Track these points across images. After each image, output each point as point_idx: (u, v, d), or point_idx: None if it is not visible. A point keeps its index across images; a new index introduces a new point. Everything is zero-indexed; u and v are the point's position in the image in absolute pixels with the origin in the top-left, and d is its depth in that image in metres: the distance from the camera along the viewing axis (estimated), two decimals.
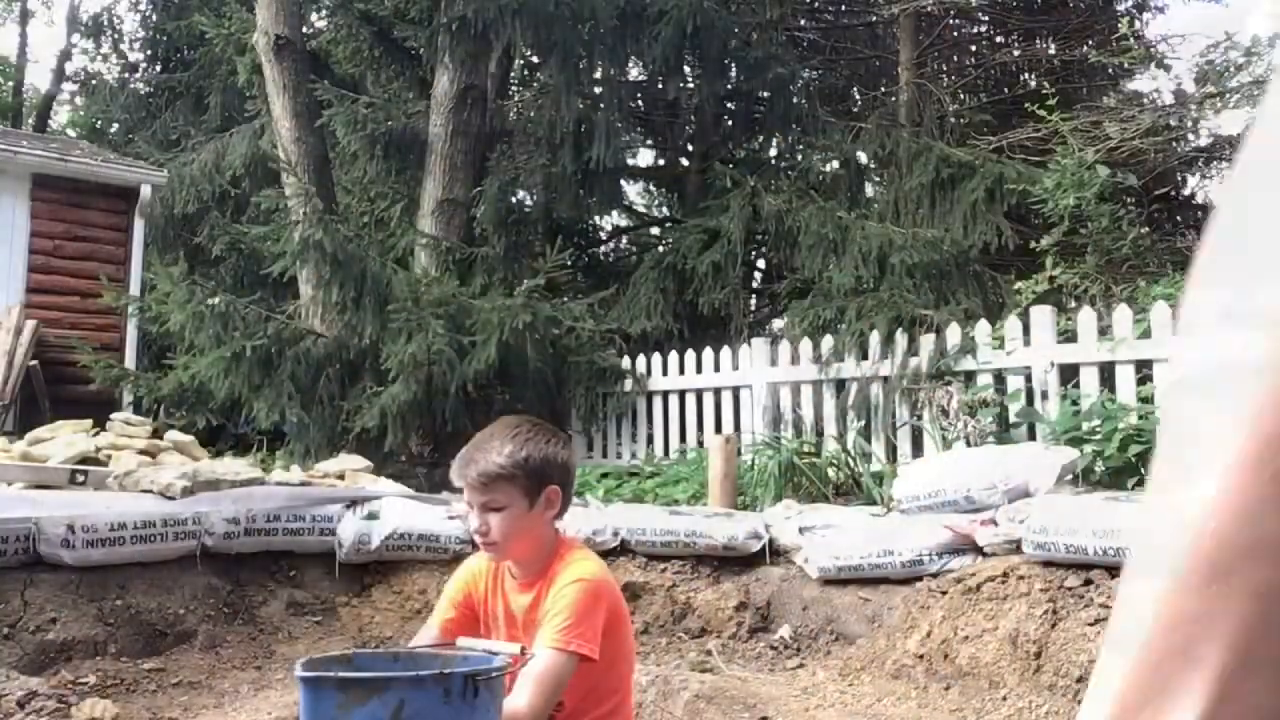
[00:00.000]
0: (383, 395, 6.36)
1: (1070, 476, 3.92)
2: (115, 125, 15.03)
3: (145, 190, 9.91)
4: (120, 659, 3.52)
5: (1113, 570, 3.07)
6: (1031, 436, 5.04)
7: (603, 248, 12.16)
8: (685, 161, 11.33)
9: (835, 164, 9.27)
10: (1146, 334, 4.83)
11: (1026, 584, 3.22)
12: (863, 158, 9.37)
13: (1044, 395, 5.09)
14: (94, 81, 15.89)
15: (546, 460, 2.00)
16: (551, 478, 2.00)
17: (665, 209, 14.33)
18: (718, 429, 6.59)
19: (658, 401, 7.14)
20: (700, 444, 6.61)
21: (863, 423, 5.85)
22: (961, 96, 10.75)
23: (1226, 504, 0.43)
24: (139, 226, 10.03)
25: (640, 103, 11.11)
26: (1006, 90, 10.96)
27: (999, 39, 11.44)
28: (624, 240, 12.71)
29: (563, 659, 1.85)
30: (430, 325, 6.39)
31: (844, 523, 4.10)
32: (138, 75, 15.49)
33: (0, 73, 21.24)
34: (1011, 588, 3.26)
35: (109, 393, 8.41)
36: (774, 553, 4.19)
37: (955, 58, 11.74)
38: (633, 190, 14.00)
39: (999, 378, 5.43)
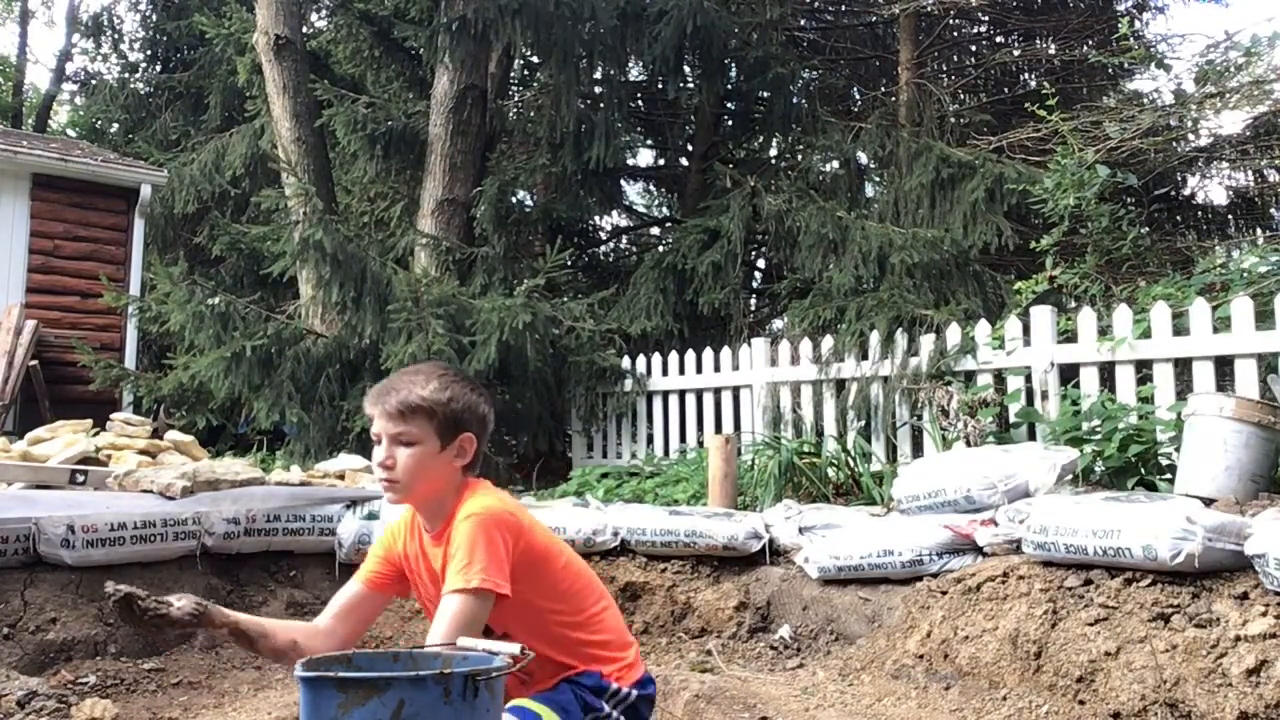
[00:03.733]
0: None
1: (1070, 476, 3.91)
2: (115, 125, 15.04)
3: (145, 190, 9.92)
4: (120, 659, 3.52)
5: (1113, 570, 3.07)
6: (1031, 436, 5.04)
7: (603, 248, 12.16)
8: (685, 161, 11.32)
9: (835, 164, 9.26)
10: (1146, 334, 4.83)
11: (1026, 584, 3.22)
12: (863, 158, 9.36)
13: (1044, 395, 5.09)
14: (94, 81, 15.90)
15: (468, 407, 1.95)
16: (469, 425, 1.95)
17: (665, 209, 14.33)
18: (718, 429, 6.59)
19: (658, 401, 7.14)
20: (700, 444, 6.61)
21: (863, 423, 5.84)
22: (961, 96, 10.74)
23: None
24: (139, 226, 10.04)
25: (640, 103, 11.10)
26: (1006, 90, 10.96)
27: (999, 39, 11.43)
28: (624, 240, 12.71)
29: (467, 599, 1.77)
30: (430, 325, 6.39)
31: (844, 523, 4.09)
32: (138, 75, 15.48)
33: (0, 73, 21.24)
34: (1011, 588, 3.26)
35: (109, 393, 8.41)
36: (774, 553, 4.19)
37: (955, 58, 11.73)
38: (633, 190, 14.01)
39: (999, 378, 5.43)
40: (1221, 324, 4.68)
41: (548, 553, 2.00)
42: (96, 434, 5.44)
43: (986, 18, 10.89)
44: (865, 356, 5.95)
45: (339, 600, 2.10)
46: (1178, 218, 9.57)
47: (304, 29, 9.45)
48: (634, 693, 2.04)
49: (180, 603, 1.80)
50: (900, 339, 5.86)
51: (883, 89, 10.55)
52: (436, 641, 1.74)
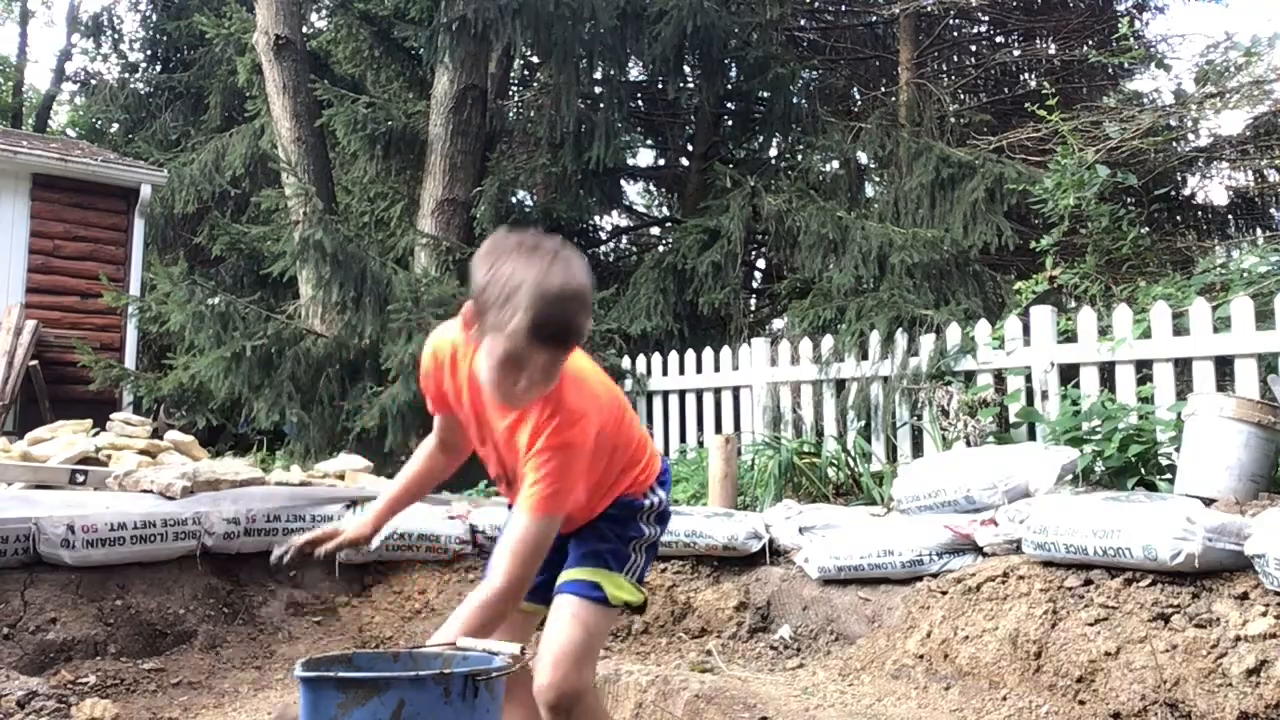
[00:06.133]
0: (383, 395, 6.36)
1: (1070, 476, 3.92)
2: (115, 125, 15.05)
3: (145, 190, 9.92)
4: (120, 659, 3.52)
5: (1113, 570, 3.07)
6: (1031, 436, 5.04)
7: (603, 248, 12.15)
8: (685, 161, 11.32)
9: (835, 164, 9.27)
10: (1146, 334, 4.83)
11: (1026, 584, 3.22)
12: (863, 158, 9.37)
13: (1044, 395, 5.09)
14: (94, 81, 15.93)
15: None
16: None
17: (665, 209, 14.33)
18: (718, 429, 6.59)
19: (658, 401, 7.14)
20: (700, 444, 6.61)
21: (863, 423, 5.84)
22: (961, 96, 10.75)
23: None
24: (139, 226, 10.05)
25: (640, 103, 11.11)
26: (1006, 90, 10.97)
27: (999, 39, 11.44)
28: (624, 240, 12.71)
29: (544, 523, 1.75)
30: (430, 325, 6.38)
31: (844, 523, 4.09)
32: (138, 75, 15.50)
33: (0, 73, 21.24)
34: (1011, 588, 3.26)
35: (109, 393, 8.41)
36: (774, 553, 4.19)
37: (955, 58, 11.74)
38: (633, 190, 14.01)
39: (999, 378, 5.43)
40: (1221, 324, 4.68)
41: (618, 422, 1.95)
42: (96, 434, 5.44)
43: (986, 18, 10.90)
44: (865, 356, 5.95)
45: (440, 429, 2.05)
46: (1178, 218, 9.57)
47: (304, 29, 9.45)
48: (660, 495, 2.09)
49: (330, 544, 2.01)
50: (900, 339, 5.86)
51: (883, 89, 10.55)
52: (502, 564, 1.73)
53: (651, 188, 14.58)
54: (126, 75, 15.66)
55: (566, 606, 1.90)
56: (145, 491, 4.16)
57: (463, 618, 1.69)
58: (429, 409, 2.00)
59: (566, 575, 1.93)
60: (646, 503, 2.04)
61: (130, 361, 9.59)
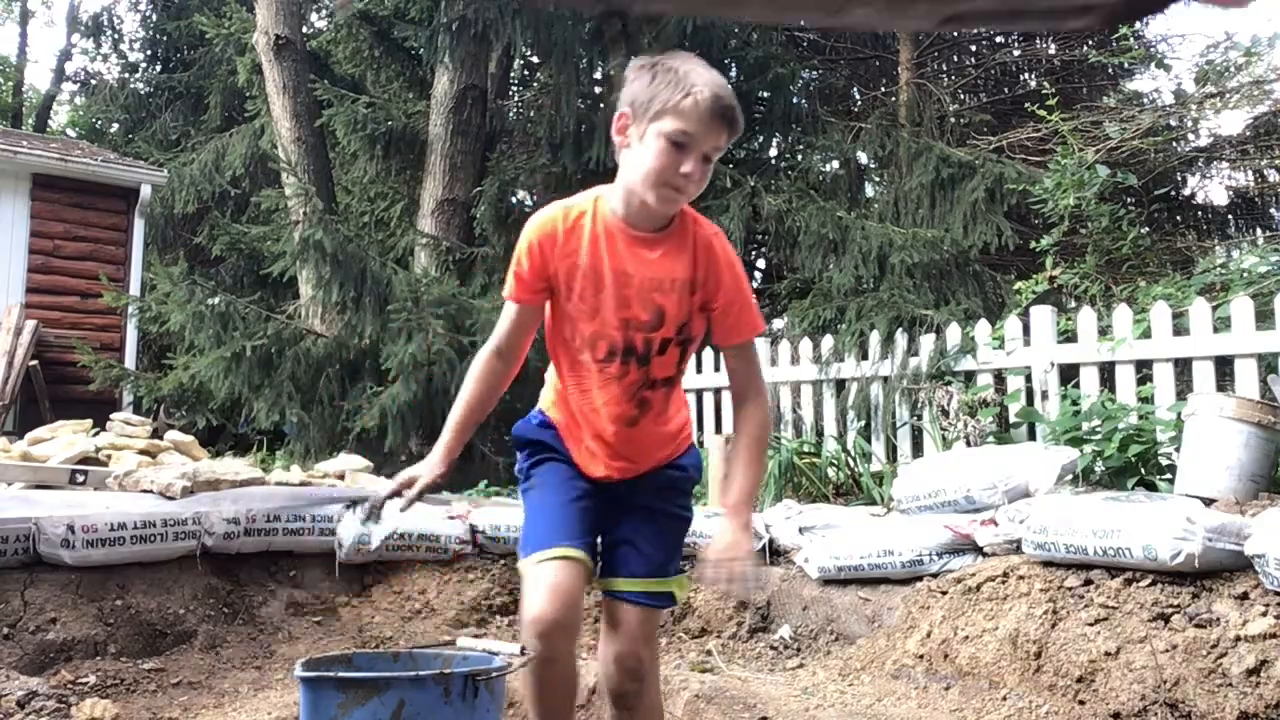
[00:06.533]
0: (383, 395, 6.36)
1: (1070, 476, 3.91)
2: (115, 125, 15.06)
3: (145, 190, 9.92)
4: (120, 659, 3.52)
5: (1113, 570, 3.07)
6: (1031, 436, 5.04)
7: None
8: None
9: (835, 164, 9.27)
10: (1146, 334, 4.83)
11: (1026, 584, 3.22)
12: (863, 158, 9.37)
13: (1044, 395, 5.08)
14: (94, 81, 15.95)
15: None
16: None
17: None
18: (718, 429, 6.59)
19: None
20: (700, 444, 6.61)
21: (863, 423, 5.84)
22: (961, 96, 10.75)
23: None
24: (139, 226, 10.05)
25: None
26: (1006, 90, 10.97)
27: (999, 39, 11.43)
28: None
29: (757, 341, 1.93)
30: (430, 325, 6.39)
31: (844, 523, 4.09)
32: (138, 75, 15.52)
33: (0, 73, 21.25)
34: (1011, 588, 3.26)
35: (109, 393, 8.42)
36: (774, 553, 4.19)
37: (955, 58, 11.74)
38: None
39: (999, 378, 5.42)
40: (1221, 324, 4.68)
41: None
42: (96, 434, 5.44)
43: None
44: (865, 356, 5.94)
45: (511, 329, 2.07)
46: (1178, 218, 9.57)
47: (304, 29, 9.46)
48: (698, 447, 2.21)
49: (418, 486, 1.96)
50: (900, 339, 5.85)
51: (883, 89, 10.55)
52: (754, 395, 1.91)
53: None
54: (126, 75, 15.68)
55: (640, 608, 1.94)
56: (145, 491, 4.16)
57: (751, 443, 1.88)
58: (512, 295, 1.97)
59: (640, 585, 1.91)
60: (697, 456, 2.10)
61: (130, 361, 9.60)
